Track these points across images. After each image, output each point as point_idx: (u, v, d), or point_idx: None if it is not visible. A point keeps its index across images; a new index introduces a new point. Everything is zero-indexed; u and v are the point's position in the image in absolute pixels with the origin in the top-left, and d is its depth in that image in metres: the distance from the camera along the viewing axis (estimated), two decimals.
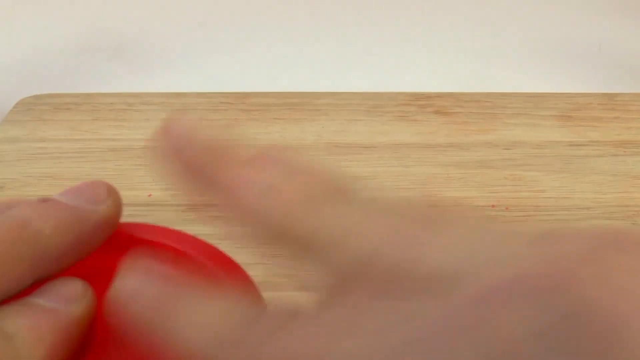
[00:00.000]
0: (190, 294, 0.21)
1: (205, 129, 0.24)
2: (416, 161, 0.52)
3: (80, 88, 0.66)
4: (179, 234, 0.27)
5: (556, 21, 0.70)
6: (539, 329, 0.16)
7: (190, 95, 0.60)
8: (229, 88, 0.63)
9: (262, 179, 0.22)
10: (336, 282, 0.21)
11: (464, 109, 0.58)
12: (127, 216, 0.48)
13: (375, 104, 0.59)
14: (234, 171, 0.23)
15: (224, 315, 0.21)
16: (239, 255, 0.45)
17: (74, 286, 0.24)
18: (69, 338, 0.22)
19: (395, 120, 0.57)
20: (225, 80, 0.69)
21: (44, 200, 0.26)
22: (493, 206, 0.48)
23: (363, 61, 0.70)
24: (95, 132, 0.56)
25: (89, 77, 0.70)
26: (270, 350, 0.19)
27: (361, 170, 0.51)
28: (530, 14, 0.70)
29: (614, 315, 0.15)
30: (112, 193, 0.26)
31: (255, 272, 0.43)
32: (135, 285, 0.21)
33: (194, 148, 0.24)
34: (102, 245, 0.26)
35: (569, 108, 0.58)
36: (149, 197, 0.49)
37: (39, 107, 0.59)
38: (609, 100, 0.58)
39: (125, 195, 0.50)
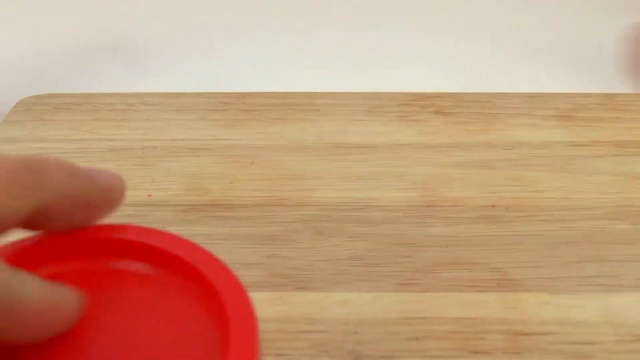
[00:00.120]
0: None
1: None
2: (416, 161, 0.52)
3: (80, 88, 0.66)
4: (171, 237, 0.27)
5: (556, 21, 0.70)
6: None
7: (190, 95, 0.60)
8: (229, 88, 0.63)
9: None
10: None
11: (465, 109, 0.58)
12: (127, 216, 0.48)
13: (375, 104, 0.59)
14: None
15: None
16: (239, 255, 0.45)
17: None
18: None
19: (396, 120, 0.57)
20: (225, 80, 0.69)
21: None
22: (493, 206, 0.48)
23: (363, 61, 0.70)
24: (95, 132, 0.56)
25: (89, 77, 0.70)
26: None
27: (361, 170, 0.51)
28: (530, 14, 0.70)
29: None
30: (120, 179, 0.27)
31: (255, 272, 0.43)
32: None
33: None
34: (81, 249, 0.26)
35: (569, 108, 0.58)
36: (149, 197, 0.49)
37: (39, 107, 0.59)
38: (609, 100, 0.58)
39: (125, 195, 0.50)
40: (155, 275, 0.26)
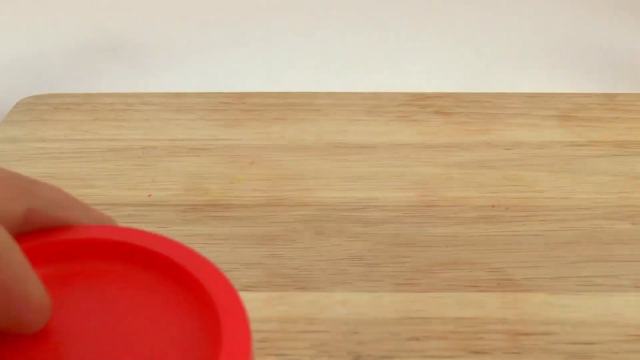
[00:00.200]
0: None
1: None
2: (416, 161, 0.52)
3: (80, 88, 0.66)
4: (156, 237, 0.27)
5: (556, 21, 0.70)
6: None
7: (190, 95, 0.60)
8: (229, 88, 0.63)
9: None
10: None
11: (464, 109, 0.58)
12: (127, 216, 0.48)
13: (375, 104, 0.59)
14: None
15: None
16: (239, 255, 0.45)
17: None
18: None
19: (396, 120, 0.57)
20: (225, 80, 0.69)
21: None
22: (493, 206, 0.48)
23: (363, 61, 0.70)
24: (95, 132, 0.56)
25: (89, 77, 0.70)
26: None
27: (361, 170, 0.51)
28: (530, 14, 0.70)
29: None
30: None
31: (255, 272, 0.43)
32: None
33: None
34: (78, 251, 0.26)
35: (569, 108, 0.58)
36: (149, 197, 0.49)
37: (39, 107, 0.59)
38: (609, 100, 0.58)
39: (125, 195, 0.50)
40: (142, 276, 0.26)
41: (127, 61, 0.70)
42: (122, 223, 0.47)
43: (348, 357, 0.38)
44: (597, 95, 0.59)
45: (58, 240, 0.26)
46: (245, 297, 0.41)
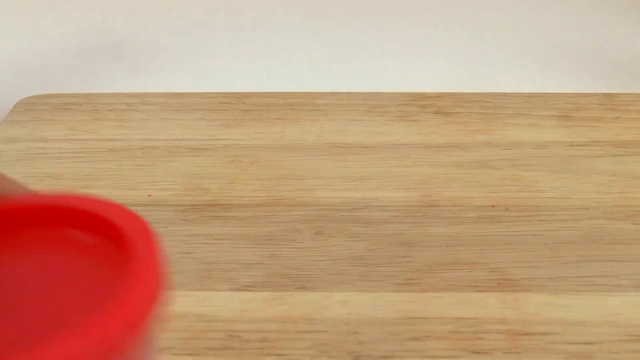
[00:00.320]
0: None
1: None
2: (416, 161, 0.52)
3: (80, 88, 0.66)
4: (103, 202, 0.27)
5: (556, 21, 0.70)
6: None
7: (190, 95, 0.60)
8: (229, 88, 0.63)
9: None
10: None
11: (464, 109, 0.58)
12: None
13: (375, 104, 0.59)
14: None
15: None
16: (239, 255, 0.45)
17: None
18: None
19: (395, 120, 0.57)
20: (225, 80, 0.69)
21: None
22: (493, 206, 0.48)
23: (363, 61, 0.70)
24: (95, 132, 0.56)
25: (89, 77, 0.70)
26: None
27: (361, 170, 0.51)
28: (530, 14, 0.70)
29: None
30: None
31: (255, 272, 0.43)
32: None
33: None
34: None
35: (569, 108, 0.58)
36: (148, 197, 0.49)
37: (39, 107, 0.59)
38: (609, 100, 0.58)
39: (125, 195, 0.50)
40: (75, 237, 0.26)
41: (127, 61, 0.70)
42: None
43: (348, 357, 0.38)
44: (597, 95, 0.59)
45: None
46: (245, 297, 0.42)
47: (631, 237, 0.45)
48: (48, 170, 0.52)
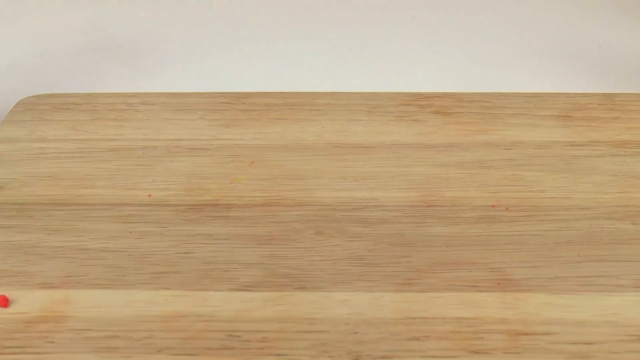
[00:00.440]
0: None
1: None
2: (416, 161, 0.52)
3: (80, 88, 0.66)
4: None
5: (556, 21, 0.70)
6: None
7: (190, 95, 0.60)
8: (229, 88, 0.63)
9: None
10: None
11: (464, 109, 0.58)
12: (127, 216, 0.49)
13: (375, 104, 0.59)
14: None
15: None
16: (239, 255, 0.45)
17: None
18: None
19: (395, 120, 0.57)
20: (225, 80, 0.69)
21: None
22: (493, 206, 0.48)
23: (363, 61, 0.70)
24: (95, 132, 0.56)
25: (89, 77, 0.70)
26: None
27: (361, 170, 0.51)
28: (530, 14, 0.70)
29: None
30: None
31: (255, 272, 0.43)
32: None
33: None
34: None
35: (569, 108, 0.58)
36: (148, 197, 0.49)
37: (39, 107, 0.59)
38: (609, 100, 0.59)
39: (125, 195, 0.50)
40: None
41: (127, 61, 0.70)
42: (122, 223, 0.48)
43: (348, 357, 0.38)
44: (597, 95, 0.59)
45: None
46: (245, 297, 0.42)
47: (631, 237, 0.45)
48: (48, 170, 0.52)
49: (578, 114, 0.57)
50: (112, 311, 0.40)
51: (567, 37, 0.70)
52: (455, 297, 0.41)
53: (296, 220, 0.47)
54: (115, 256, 0.44)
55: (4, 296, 0.41)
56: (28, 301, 0.41)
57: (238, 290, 0.42)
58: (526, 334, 0.39)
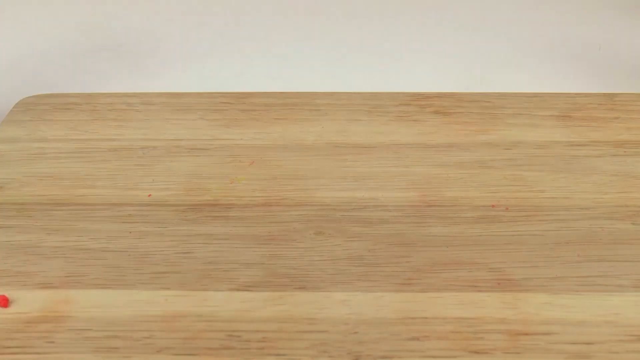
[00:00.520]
0: None
1: None
2: (416, 161, 0.52)
3: (80, 88, 0.66)
4: None
5: (556, 21, 0.70)
6: None
7: (190, 95, 0.60)
8: (229, 88, 0.63)
9: None
10: None
11: (464, 109, 0.58)
12: (127, 216, 0.49)
13: (375, 104, 0.59)
14: None
15: None
16: (239, 255, 0.45)
17: None
18: None
19: (395, 120, 0.57)
20: (225, 80, 0.69)
21: None
22: (493, 206, 0.48)
23: (363, 61, 0.70)
24: (95, 132, 0.56)
25: (89, 77, 0.70)
26: None
27: (361, 170, 0.51)
28: (530, 14, 0.70)
29: None
30: None
31: (255, 272, 0.43)
32: None
33: None
34: None
35: (569, 108, 0.58)
36: (148, 197, 0.49)
37: (39, 107, 0.59)
38: (609, 100, 0.59)
39: (125, 195, 0.50)
40: None
41: (127, 61, 0.70)
42: (122, 223, 0.48)
43: (348, 357, 0.38)
44: (597, 95, 0.59)
45: None
46: (245, 297, 0.42)
47: (631, 237, 0.45)
48: (48, 170, 0.52)
49: (578, 114, 0.57)
50: (112, 311, 0.40)
51: (567, 37, 0.70)
52: (455, 297, 0.41)
53: (296, 220, 0.47)
54: (115, 256, 0.44)
55: (4, 296, 0.41)
56: (28, 301, 0.41)
57: (238, 290, 0.42)
58: (526, 334, 0.39)
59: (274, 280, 0.43)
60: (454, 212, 0.47)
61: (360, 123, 0.56)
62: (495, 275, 0.43)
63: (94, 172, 0.52)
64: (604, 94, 0.59)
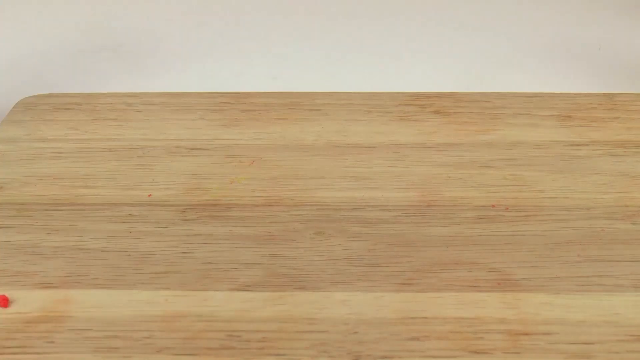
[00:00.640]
0: None
1: None
2: (416, 161, 0.52)
3: (80, 88, 0.66)
4: None
5: (556, 21, 0.70)
6: None
7: (190, 95, 0.60)
8: (229, 88, 0.63)
9: None
10: None
11: (464, 109, 0.58)
12: (127, 216, 0.48)
13: (375, 104, 0.59)
14: None
15: None
16: (239, 255, 0.45)
17: None
18: None
19: (395, 120, 0.57)
20: (225, 80, 0.69)
21: None
22: (493, 206, 0.48)
23: (363, 61, 0.70)
24: (95, 132, 0.56)
25: (89, 77, 0.70)
26: None
27: (361, 170, 0.51)
28: (530, 14, 0.70)
29: None
30: None
31: (255, 272, 0.43)
32: None
33: None
34: None
35: (569, 108, 0.58)
36: (149, 197, 0.49)
37: (39, 107, 0.59)
38: (609, 100, 0.59)
39: (125, 195, 0.50)
40: None
41: (127, 61, 0.70)
42: (122, 223, 0.48)
43: (348, 357, 0.38)
44: (597, 95, 0.59)
45: None
46: (245, 297, 0.42)
47: (631, 237, 0.45)
48: (48, 170, 0.52)
49: (578, 114, 0.57)
50: (112, 311, 0.40)
51: (567, 37, 0.70)
52: (455, 297, 0.41)
53: (296, 220, 0.47)
54: (115, 256, 0.44)
55: (4, 296, 0.41)
56: (28, 301, 0.41)
57: (238, 290, 0.42)
58: (526, 334, 0.39)
59: (274, 280, 0.43)
60: (454, 212, 0.47)
61: (360, 123, 0.56)
62: (495, 275, 0.43)
63: (93, 172, 0.52)
64: (604, 94, 0.59)
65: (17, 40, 0.70)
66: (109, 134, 0.56)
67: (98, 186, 0.50)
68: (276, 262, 0.44)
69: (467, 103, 0.58)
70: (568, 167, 0.51)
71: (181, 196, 0.49)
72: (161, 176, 0.51)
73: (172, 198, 0.49)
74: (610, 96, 0.59)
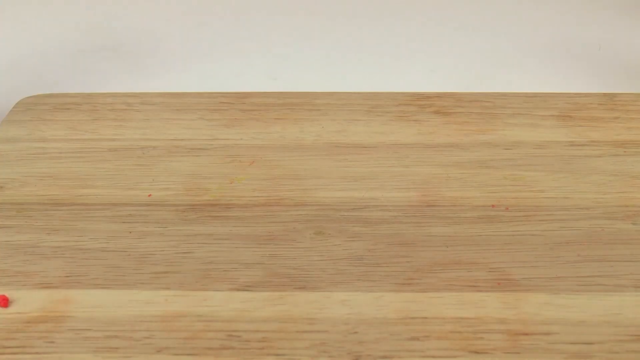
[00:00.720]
0: None
1: None
2: (416, 161, 0.52)
3: (80, 88, 0.66)
4: None
5: (556, 21, 0.70)
6: None
7: (190, 95, 0.60)
8: (229, 88, 0.63)
9: None
10: None
11: (464, 109, 0.58)
12: (127, 216, 0.48)
13: (375, 104, 0.59)
14: None
15: None
16: (239, 255, 0.45)
17: None
18: None
19: (395, 120, 0.57)
20: (225, 80, 0.69)
21: None
22: (493, 206, 0.48)
23: (363, 61, 0.70)
24: (95, 132, 0.56)
25: (89, 77, 0.70)
26: None
27: (361, 170, 0.51)
28: (530, 14, 0.70)
29: None
30: None
31: (255, 272, 0.43)
32: None
33: None
34: None
35: (569, 108, 0.58)
36: (149, 197, 0.49)
37: (39, 107, 0.59)
38: (609, 100, 0.59)
39: (125, 195, 0.50)
40: None
41: (127, 61, 0.70)
42: (122, 223, 0.48)
43: (348, 357, 0.38)
44: (597, 95, 0.59)
45: None
46: (245, 297, 0.42)
47: (631, 237, 0.45)
48: (48, 170, 0.52)
49: (578, 114, 0.57)
50: (112, 311, 0.40)
51: (567, 37, 0.70)
52: (455, 297, 0.41)
53: (296, 220, 0.47)
54: (114, 256, 0.44)
55: (4, 296, 0.41)
56: (28, 301, 0.41)
57: (238, 290, 0.42)
58: (526, 334, 0.39)
59: (273, 280, 0.43)
60: (454, 212, 0.47)
61: (360, 123, 0.56)
62: (495, 275, 0.43)
63: (93, 172, 0.52)
64: (604, 94, 0.59)
65: (17, 40, 0.70)
66: (108, 134, 0.56)
67: (98, 186, 0.50)
68: (276, 262, 0.44)
69: (467, 103, 0.58)
70: (568, 167, 0.51)
71: (181, 196, 0.49)
72: (161, 176, 0.51)
73: (172, 198, 0.49)
74: (610, 96, 0.59)
